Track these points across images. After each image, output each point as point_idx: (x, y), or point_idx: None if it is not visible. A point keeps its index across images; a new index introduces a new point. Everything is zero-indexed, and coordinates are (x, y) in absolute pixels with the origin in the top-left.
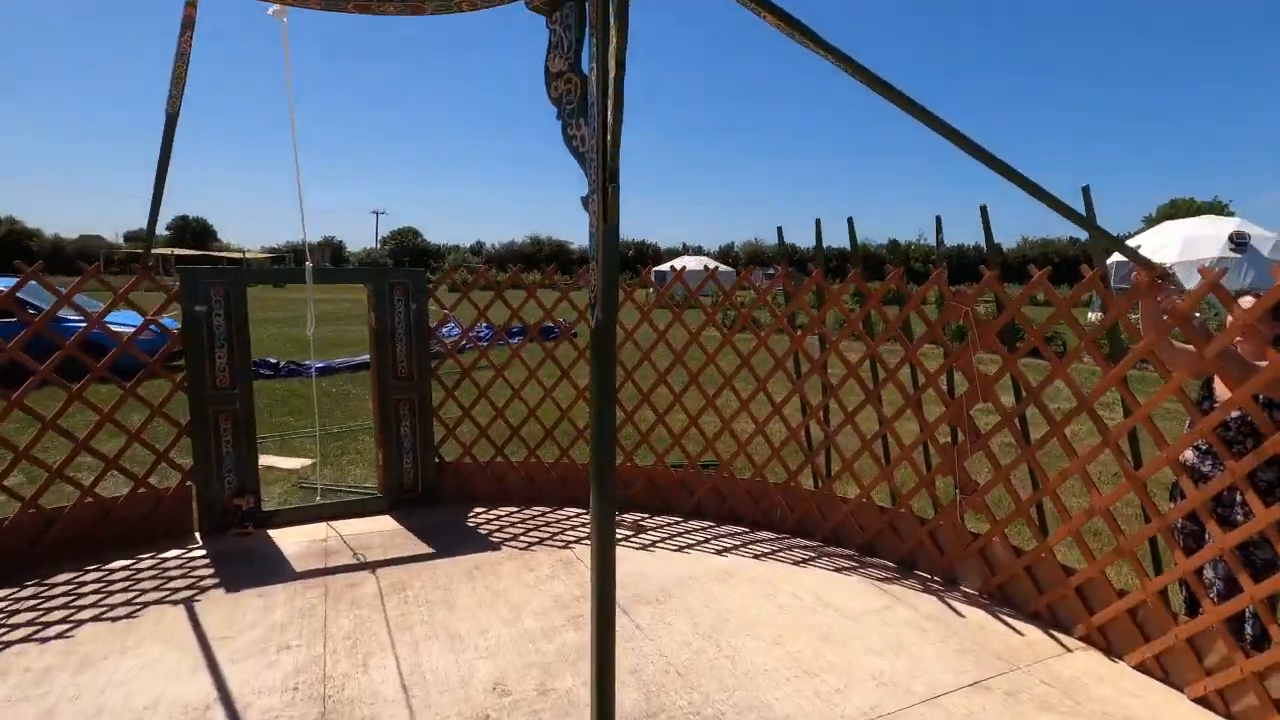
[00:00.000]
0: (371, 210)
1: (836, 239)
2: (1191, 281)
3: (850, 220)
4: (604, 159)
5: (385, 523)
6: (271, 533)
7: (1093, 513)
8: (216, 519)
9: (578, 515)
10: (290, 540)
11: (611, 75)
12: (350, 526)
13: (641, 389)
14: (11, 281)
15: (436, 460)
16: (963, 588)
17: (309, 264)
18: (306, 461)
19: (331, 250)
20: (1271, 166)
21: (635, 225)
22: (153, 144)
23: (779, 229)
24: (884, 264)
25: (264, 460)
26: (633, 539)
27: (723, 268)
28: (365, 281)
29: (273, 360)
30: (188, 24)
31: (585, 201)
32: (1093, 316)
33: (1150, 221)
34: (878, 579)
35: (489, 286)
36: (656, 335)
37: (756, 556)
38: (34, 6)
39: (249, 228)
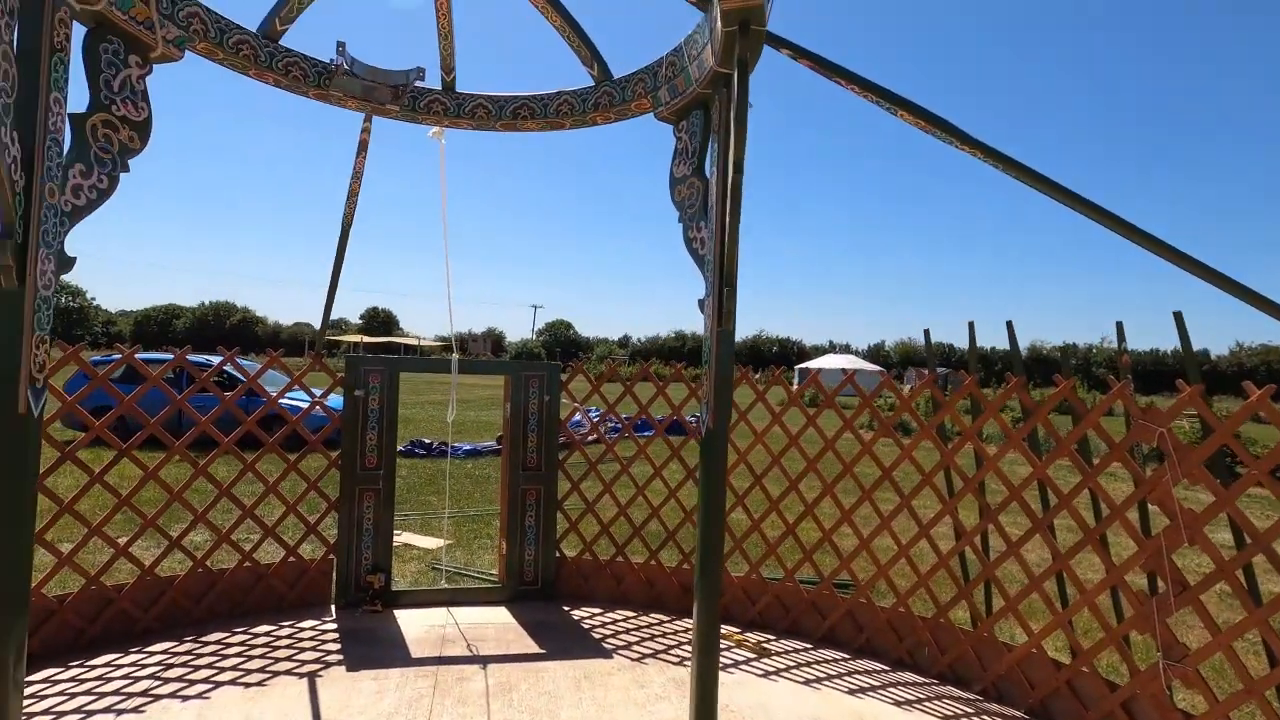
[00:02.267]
0: (530, 304)
1: (999, 340)
2: None
3: (1009, 324)
4: (721, 262)
5: (502, 614)
6: (397, 613)
7: None
8: (351, 594)
9: None
10: (412, 623)
11: (730, 179)
12: (469, 615)
13: (770, 496)
14: (213, 359)
15: (557, 554)
16: None
17: (455, 355)
18: (441, 543)
19: (493, 340)
20: None
21: (780, 322)
22: (362, 246)
23: (926, 331)
24: (1058, 370)
25: (403, 538)
26: (755, 663)
27: (871, 367)
28: (503, 372)
29: (427, 441)
30: (362, 147)
31: (702, 304)
32: None
33: None
34: None
35: (617, 379)
36: (789, 439)
37: (898, 704)
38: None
39: (427, 318)
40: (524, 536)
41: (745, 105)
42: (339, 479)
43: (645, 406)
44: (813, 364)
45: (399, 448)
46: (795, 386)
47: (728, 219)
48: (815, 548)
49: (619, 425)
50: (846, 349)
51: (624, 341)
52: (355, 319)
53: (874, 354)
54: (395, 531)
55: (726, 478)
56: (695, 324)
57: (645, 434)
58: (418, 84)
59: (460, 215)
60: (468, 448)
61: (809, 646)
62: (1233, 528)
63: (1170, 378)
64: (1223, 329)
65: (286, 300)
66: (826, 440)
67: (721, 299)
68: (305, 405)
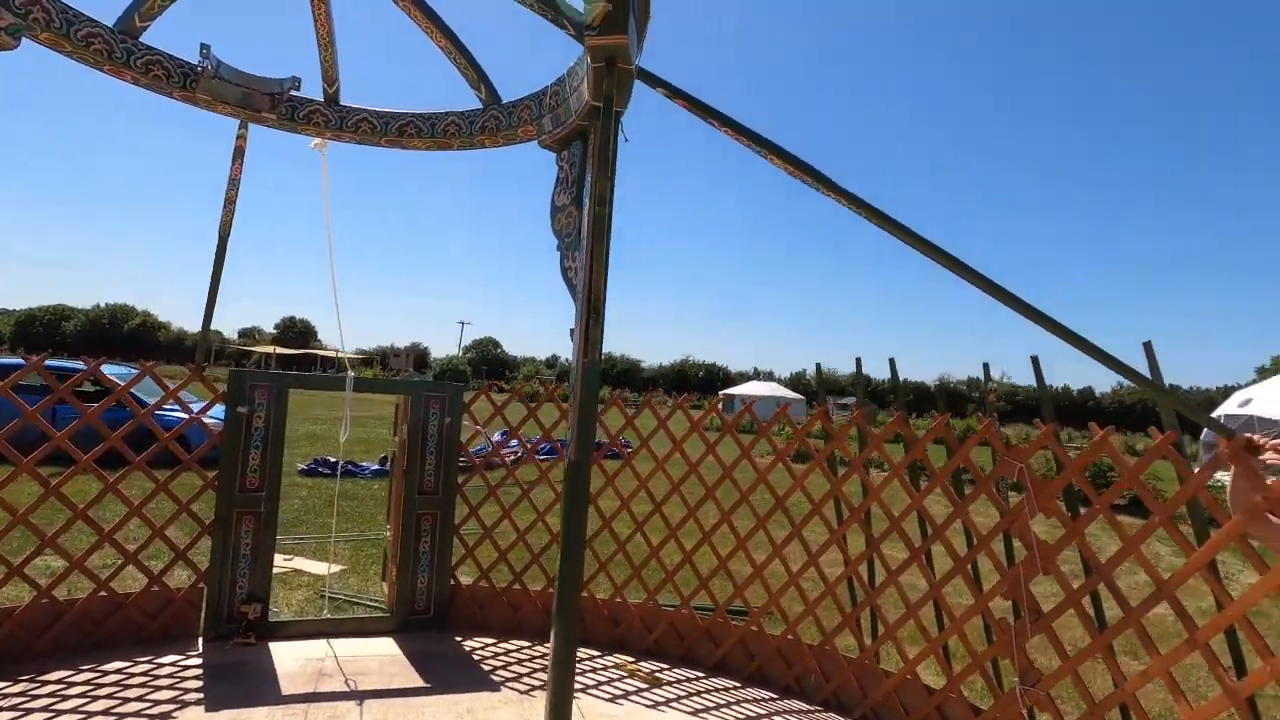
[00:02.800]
0: (458, 320)
1: (914, 373)
2: None
3: (892, 360)
4: (589, 292)
5: (388, 646)
6: (274, 645)
7: None
8: (222, 625)
9: (598, 658)
10: (289, 656)
11: (593, 212)
12: (352, 647)
13: (670, 523)
14: (124, 370)
15: (452, 582)
16: None
17: (350, 374)
18: (335, 568)
19: (417, 355)
20: None
21: (707, 347)
22: (265, 252)
23: (858, 359)
24: (968, 403)
25: (294, 563)
26: (646, 693)
27: (793, 395)
28: (402, 393)
29: (332, 459)
30: (238, 154)
31: (572, 334)
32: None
33: (1263, 373)
34: None
35: (523, 401)
36: (688, 467)
37: None
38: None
39: (348, 330)
40: (417, 563)
41: (610, 140)
42: (215, 500)
43: (549, 430)
44: (736, 390)
45: (301, 466)
46: (722, 411)
47: (593, 250)
48: (711, 575)
49: (524, 448)
50: (770, 376)
51: (552, 362)
52: (270, 329)
53: (795, 382)
54: (286, 557)
55: (586, 511)
56: (624, 347)
57: (549, 457)
58: (294, 93)
59: (390, 227)
60: (374, 468)
61: (702, 675)
62: (1082, 561)
63: (1080, 412)
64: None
65: (197, 306)
66: (725, 468)
67: (588, 329)
68: (183, 420)
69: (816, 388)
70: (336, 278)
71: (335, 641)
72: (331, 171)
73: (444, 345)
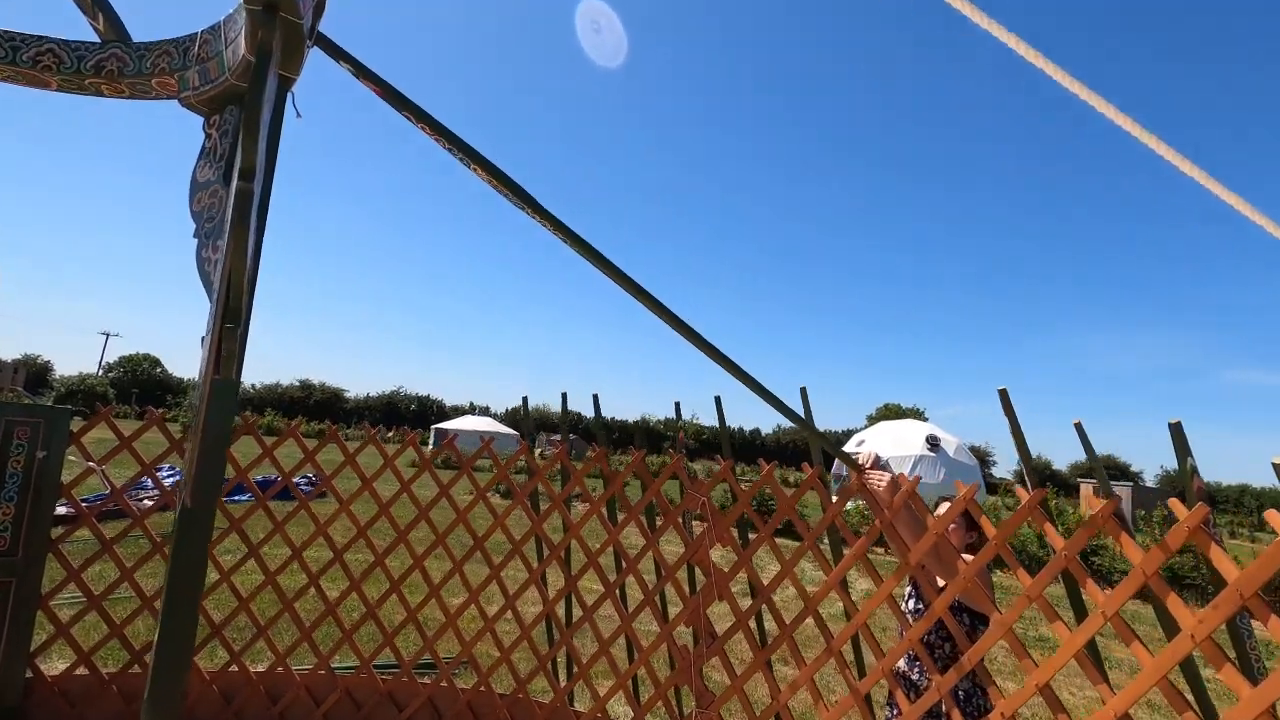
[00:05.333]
0: (101, 331)
1: (619, 412)
2: (902, 471)
3: (595, 396)
4: (226, 293)
5: None
6: None
7: None
8: None
9: None
10: None
11: (235, 187)
12: None
13: (352, 575)
14: None
15: (29, 674)
16: None
17: None
18: None
19: (30, 370)
20: (955, 387)
21: (420, 378)
22: None
23: (564, 394)
24: (664, 440)
25: None
26: None
27: (506, 430)
28: None
29: None
30: None
31: (203, 341)
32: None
33: (871, 420)
34: None
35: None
36: (379, 508)
37: None
38: None
39: None
40: None
41: (267, 104)
42: None
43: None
44: (450, 424)
45: None
46: (429, 449)
47: (234, 236)
48: (399, 628)
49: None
50: (486, 411)
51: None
52: None
53: (511, 417)
54: None
55: (204, 560)
56: (324, 373)
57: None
58: None
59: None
60: None
61: None
62: (749, 586)
63: (750, 449)
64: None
65: None
66: (420, 508)
67: (220, 340)
68: None
69: (522, 423)
70: None
71: None
72: None
73: (79, 361)
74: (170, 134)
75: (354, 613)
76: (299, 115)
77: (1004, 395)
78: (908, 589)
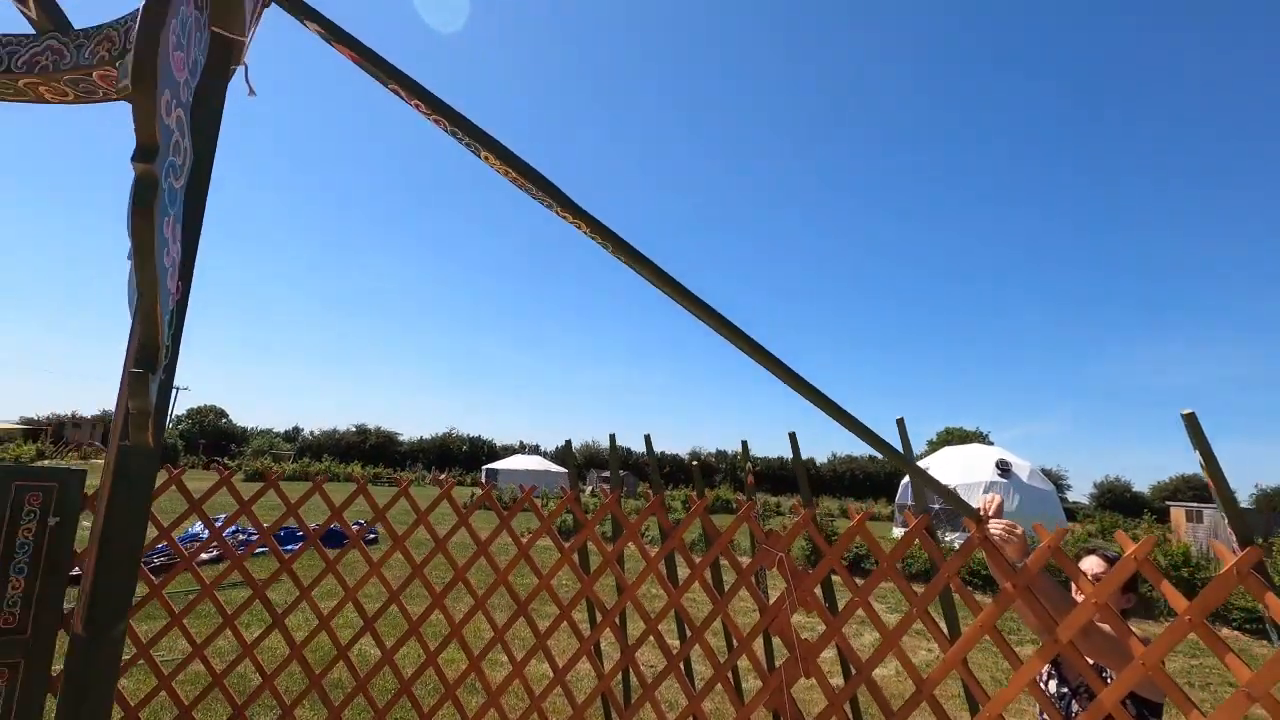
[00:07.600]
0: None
1: (669, 445)
2: (973, 501)
3: (648, 437)
4: (138, 327)
5: None
6: None
7: None
8: None
9: None
10: None
11: (134, 173)
12: None
13: (383, 645)
14: None
15: None
16: None
17: None
18: None
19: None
20: (1017, 405)
21: (469, 419)
22: None
23: (611, 436)
24: (716, 474)
25: None
26: None
27: (556, 468)
28: None
29: None
30: None
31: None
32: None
33: (933, 445)
34: None
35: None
36: (412, 569)
37: None
38: None
39: (11, 392)
40: None
41: (153, 40)
42: None
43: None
44: (500, 464)
45: None
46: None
47: (135, 248)
48: (436, 709)
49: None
50: (536, 449)
51: (292, 434)
52: None
53: (561, 455)
54: None
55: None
56: (379, 418)
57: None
58: None
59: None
60: None
61: None
62: (841, 662)
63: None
64: (820, 441)
65: None
66: (457, 570)
67: (130, 392)
68: None
69: (566, 462)
70: None
71: None
72: None
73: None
74: (240, 184)
75: (387, 691)
76: (252, 92)
77: (1191, 420)
78: (1046, 668)
